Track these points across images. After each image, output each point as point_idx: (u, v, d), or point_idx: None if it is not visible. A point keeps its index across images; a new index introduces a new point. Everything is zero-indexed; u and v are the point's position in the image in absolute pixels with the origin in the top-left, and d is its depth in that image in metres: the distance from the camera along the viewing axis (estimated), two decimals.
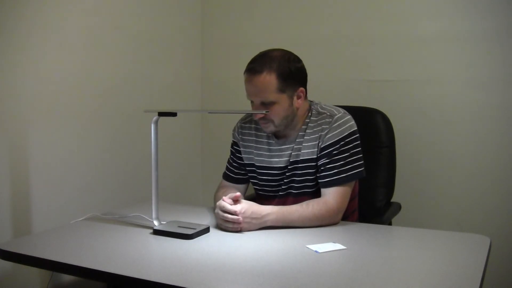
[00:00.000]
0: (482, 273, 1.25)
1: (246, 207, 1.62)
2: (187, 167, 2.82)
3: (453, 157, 2.33)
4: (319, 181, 1.75)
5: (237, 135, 1.95)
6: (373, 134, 2.10)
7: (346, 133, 1.74)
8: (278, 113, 1.73)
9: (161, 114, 1.61)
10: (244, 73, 1.75)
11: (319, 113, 1.80)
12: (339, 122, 1.75)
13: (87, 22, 2.13)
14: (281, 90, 1.71)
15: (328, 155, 1.73)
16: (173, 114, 1.60)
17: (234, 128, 1.97)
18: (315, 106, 1.83)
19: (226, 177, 1.97)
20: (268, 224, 1.64)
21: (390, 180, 2.11)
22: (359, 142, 1.77)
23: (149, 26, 2.48)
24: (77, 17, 2.09)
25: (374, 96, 2.42)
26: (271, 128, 1.78)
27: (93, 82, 2.18)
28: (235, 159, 1.95)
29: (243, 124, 1.94)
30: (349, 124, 1.75)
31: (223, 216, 1.61)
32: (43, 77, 1.97)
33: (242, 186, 1.94)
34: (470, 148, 2.30)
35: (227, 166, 1.98)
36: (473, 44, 2.25)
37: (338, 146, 1.73)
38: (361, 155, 1.76)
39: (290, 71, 1.72)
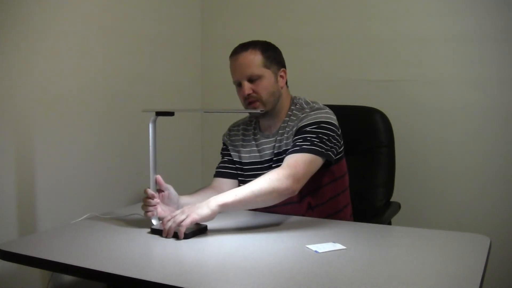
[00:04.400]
0: (482, 273, 1.25)
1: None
2: (187, 167, 2.82)
3: (452, 156, 2.33)
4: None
5: (226, 138, 2.01)
6: (372, 133, 2.10)
7: (321, 120, 1.75)
8: (265, 88, 1.79)
9: (158, 113, 1.61)
10: (229, 58, 1.82)
11: (302, 108, 1.84)
12: (316, 111, 1.79)
13: (86, 22, 2.13)
14: (266, 65, 1.80)
15: (298, 133, 1.75)
16: (171, 114, 1.60)
17: (224, 133, 2.02)
18: (299, 100, 1.87)
19: (219, 174, 1.96)
20: (215, 204, 1.54)
21: (389, 180, 2.11)
22: (333, 134, 1.76)
23: (149, 26, 2.48)
24: (76, 17, 2.09)
25: (374, 96, 2.42)
26: (260, 108, 1.80)
27: (93, 82, 2.18)
28: (225, 157, 1.98)
29: (232, 128, 2.02)
30: (327, 115, 1.78)
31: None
32: (44, 77, 1.97)
33: (233, 181, 1.94)
34: (469, 148, 2.30)
35: (218, 166, 1.99)
36: (473, 44, 2.25)
37: (310, 128, 1.74)
38: (331, 145, 1.75)
39: (272, 52, 1.84)
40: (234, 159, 1.95)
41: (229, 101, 2.72)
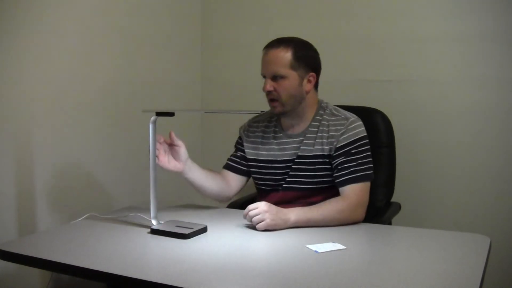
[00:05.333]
0: (482, 273, 1.25)
1: (270, 205, 1.64)
2: None
3: (453, 157, 2.33)
4: (336, 181, 1.78)
5: (242, 132, 2.00)
6: (373, 134, 2.09)
7: (361, 135, 1.81)
8: (286, 89, 1.78)
9: (158, 114, 1.61)
10: (262, 50, 1.82)
11: (333, 114, 1.85)
12: (354, 125, 1.82)
13: (87, 22, 2.13)
14: (293, 67, 1.78)
15: (346, 154, 1.77)
16: (171, 114, 1.60)
17: (243, 126, 2.01)
18: (328, 104, 1.89)
19: (228, 167, 1.97)
20: (290, 223, 1.64)
21: (390, 180, 2.11)
22: (370, 147, 1.83)
23: (148, 26, 2.48)
24: (77, 17, 2.09)
25: (374, 96, 2.42)
26: (279, 108, 1.81)
27: (93, 82, 2.18)
28: (239, 151, 1.98)
29: (251, 123, 1.99)
30: (362, 129, 1.83)
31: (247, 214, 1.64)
32: (44, 77, 1.97)
33: (240, 177, 1.95)
34: (470, 148, 2.30)
35: (230, 158, 1.99)
36: (473, 44, 2.25)
37: (355, 146, 1.78)
38: (371, 159, 1.82)
39: (305, 54, 1.82)
40: (248, 156, 1.94)
41: (229, 101, 2.73)
